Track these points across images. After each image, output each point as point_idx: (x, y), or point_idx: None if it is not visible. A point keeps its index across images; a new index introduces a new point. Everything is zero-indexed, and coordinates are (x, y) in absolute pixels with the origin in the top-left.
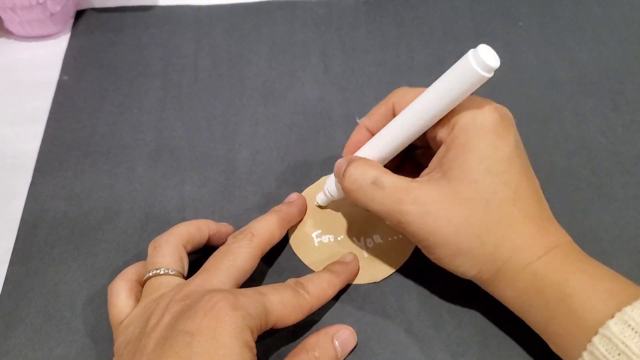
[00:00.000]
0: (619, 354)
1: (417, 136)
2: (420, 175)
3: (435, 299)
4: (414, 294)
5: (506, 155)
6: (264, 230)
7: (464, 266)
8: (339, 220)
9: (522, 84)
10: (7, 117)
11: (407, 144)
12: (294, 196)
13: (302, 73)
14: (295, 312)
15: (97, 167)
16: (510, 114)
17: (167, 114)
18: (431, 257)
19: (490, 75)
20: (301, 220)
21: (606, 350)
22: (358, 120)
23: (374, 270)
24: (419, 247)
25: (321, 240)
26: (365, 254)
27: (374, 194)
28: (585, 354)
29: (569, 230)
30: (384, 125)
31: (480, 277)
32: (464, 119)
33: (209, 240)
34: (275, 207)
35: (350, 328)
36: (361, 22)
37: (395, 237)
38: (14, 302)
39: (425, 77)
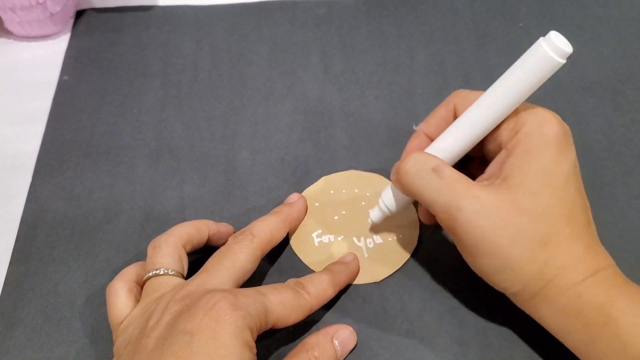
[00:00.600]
0: None
1: (485, 134)
2: (478, 179)
3: (436, 299)
4: (415, 294)
5: (566, 171)
6: (264, 231)
7: (508, 281)
8: (340, 221)
9: None
10: (6, 117)
11: (475, 143)
12: (294, 197)
13: (303, 73)
14: (295, 312)
15: (97, 167)
16: (570, 130)
17: (167, 114)
18: (474, 266)
19: (564, 61)
20: (302, 221)
21: None
22: (415, 128)
23: (374, 270)
24: (464, 253)
25: (321, 240)
26: (366, 254)
27: (431, 181)
28: None
29: None
30: (444, 129)
31: (521, 294)
32: (530, 125)
33: (208, 240)
34: (276, 208)
35: (350, 328)
36: (361, 22)
37: (395, 237)
38: (14, 302)
39: (426, 77)
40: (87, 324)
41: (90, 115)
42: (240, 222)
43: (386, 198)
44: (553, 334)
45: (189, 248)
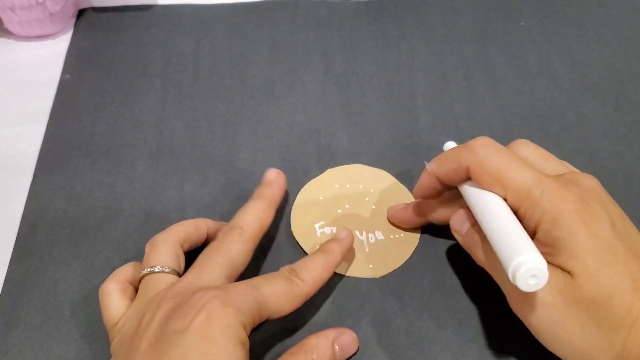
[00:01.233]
0: None
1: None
2: None
3: (435, 300)
4: (415, 295)
5: (606, 242)
6: (252, 222)
7: None
8: (343, 214)
9: (523, 84)
10: (6, 117)
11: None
12: (272, 174)
13: (303, 73)
14: (290, 302)
15: (98, 167)
16: (594, 185)
17: (168, 114)
18: (553, 350)
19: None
20: (284, 195)
21: None
22: (425, 164)
23: (375, 266)
24: (546, 344)
25: (324, 232)
26: (367, 249)
27: None
28: None
29: None
30: (454, 181)
31: None
32: (549, 212)
33: (207, 239)
34: (258, 191)
35: (353, 334)
36: (362, 22)
37: (397, 235)
38: (14, 301)
39: (426, 77)
40: (86, 322)
41: (91, 115)
42: None
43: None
44: None
45: (186, 247)
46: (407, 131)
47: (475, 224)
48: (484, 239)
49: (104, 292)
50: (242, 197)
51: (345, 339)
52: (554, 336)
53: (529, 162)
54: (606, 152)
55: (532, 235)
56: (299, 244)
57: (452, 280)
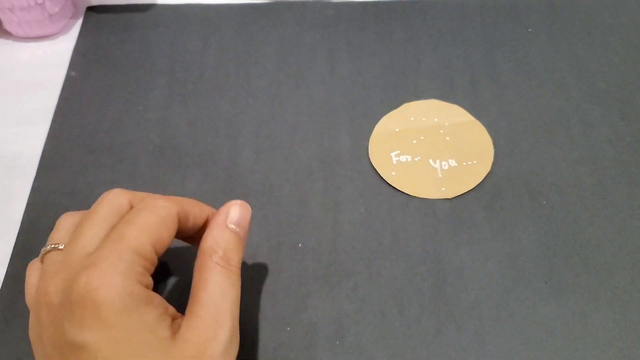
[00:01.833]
0: None
1: None
2: None
3: (434, 304)
4: (413, 298)
5: None
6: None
7: None
8: (418, 144)
9: (529, 90)
10: (6, 118)
11: None
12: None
13: (309, 74)
14: (165, 227)
15: (101, 163)
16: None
17: (172, 111)
18: None
19: None
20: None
21: None
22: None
23: (447, 189)
24: None
25: (399, 160)
26: (440, 175)
27: None
28: None
29: (573, 240)
30: None
31: None
32: None
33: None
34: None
35: (237, 201)
36: (369, 24)
37: (470, 162)
38: (13, 296)
39: (432, 81)
40: None
41: (96, 112)
42: None
43: None
44: None
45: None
46: None
47: None
48: None
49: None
50: (242, 195)
51: (233, 213)
52: None
53: None
54: (611, 160)
55: None
56: (377, 171)
57: (451, 285)
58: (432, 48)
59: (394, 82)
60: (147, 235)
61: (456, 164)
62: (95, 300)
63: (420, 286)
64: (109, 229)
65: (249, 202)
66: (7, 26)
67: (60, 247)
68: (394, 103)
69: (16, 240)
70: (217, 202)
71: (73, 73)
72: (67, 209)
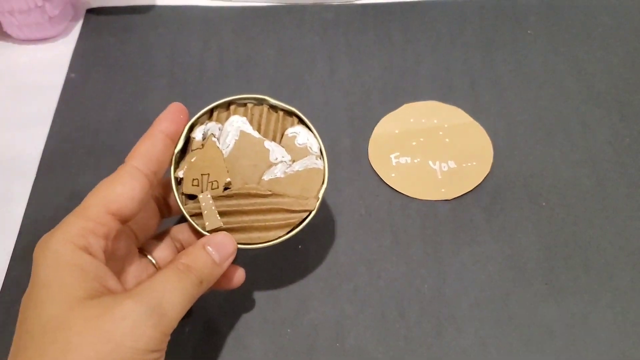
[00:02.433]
0: None
1: None
2: None
3: (434, 306)
4: (414, 300)
5: None
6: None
7: None
8: (417, 146)
9: (529, 92)
10: (6, 120)
11: None
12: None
13: (308, 77)
14: (118, 185)
15: (100, 165)
16: None
17: None
18: None
19: None
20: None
21: None
22: None
23: (447, 190)
24: None
25: (399, 161)
26: (440, 176)
27: None
28: None
29: (573, 241)
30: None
31: None
32: None
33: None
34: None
35: (225, 233)
36: (369, 27)
37: (469, 164)
38: (14, 296)
39: (431, 82)
40: None
41: (96, 113)
42: None
43: None
44: None
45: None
46: None
47: None
48: None
49: None
50: None
51: (215, 238)
52: None
53: None
54: (610, 162)
55: None
56: (376, 172)
57: (451, 288)
58: (431, 50)
59: (393, 84)
60: (95, 198)
61: (456, 166)
62: (34, 257)
63: (420, 288)
64: None
65: None
66: (7, 29)
67: None
68: (394, 105)
69: (16, 240)
70: None
71: (73, 75)
72: (67, 209)
